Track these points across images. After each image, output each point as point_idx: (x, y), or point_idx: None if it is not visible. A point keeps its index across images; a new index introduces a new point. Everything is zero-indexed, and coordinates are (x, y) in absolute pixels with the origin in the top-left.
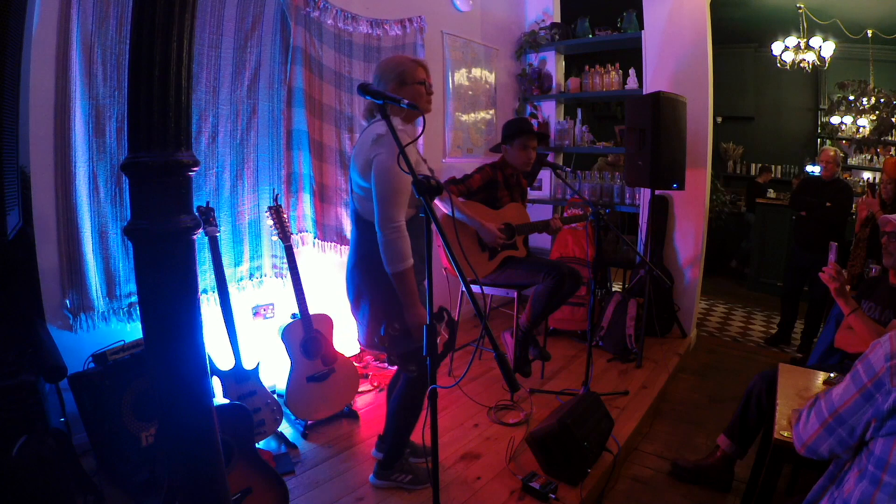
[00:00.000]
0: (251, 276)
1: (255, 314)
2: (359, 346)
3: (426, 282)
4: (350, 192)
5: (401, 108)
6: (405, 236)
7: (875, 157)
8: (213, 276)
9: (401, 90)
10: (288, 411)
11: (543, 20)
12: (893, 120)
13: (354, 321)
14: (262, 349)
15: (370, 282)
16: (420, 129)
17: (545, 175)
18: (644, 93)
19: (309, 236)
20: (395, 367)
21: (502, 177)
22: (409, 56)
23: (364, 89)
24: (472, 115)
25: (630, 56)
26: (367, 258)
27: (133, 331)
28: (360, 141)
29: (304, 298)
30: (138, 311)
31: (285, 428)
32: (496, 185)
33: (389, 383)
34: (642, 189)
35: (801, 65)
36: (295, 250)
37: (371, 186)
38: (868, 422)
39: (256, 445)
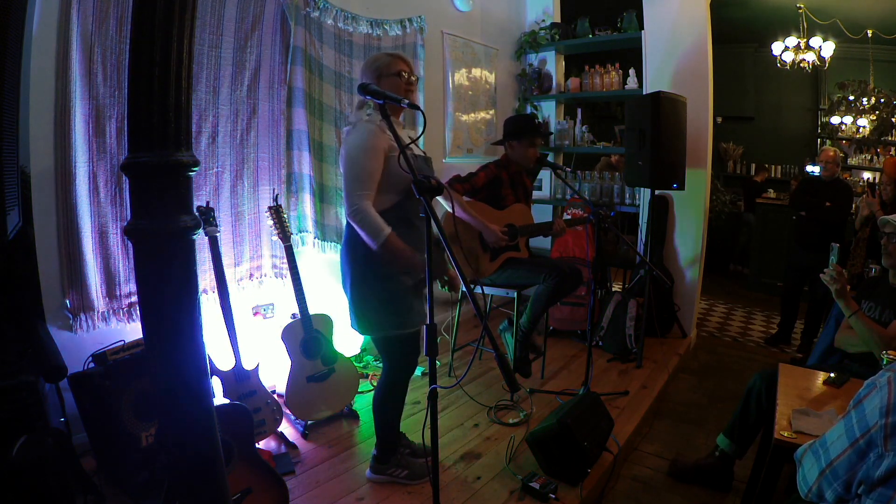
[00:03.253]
0: (251, 276)
1: (255, 314)
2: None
3: (426, 281)
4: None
5: (383, 101)
6: (369, 212)
7: (875, 157)
8: (213, 276)
9: (379, 83)
10: (288, 411)
11: (543, 20)
12: (893, 120)
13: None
14: (262, 349)
15: (352, 266)
16: (420, 129)
17: (545, 175)
18: (644, 93)
19: (309, 236)
20: None
21: (507, 175)
22: (386, 52)
23: (364, 89)
24: (472, 115)
25: (630, 56)
26: (351, 243)
27: (133, 331)
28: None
29: (304, 298)
30: (138, 311)
31: (285, 428)
32: (500, 184)
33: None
34: (642, 189)
35: (801, 65)
36: (295, 250)
37: None
38: (860, 481)
39: (256, 445)
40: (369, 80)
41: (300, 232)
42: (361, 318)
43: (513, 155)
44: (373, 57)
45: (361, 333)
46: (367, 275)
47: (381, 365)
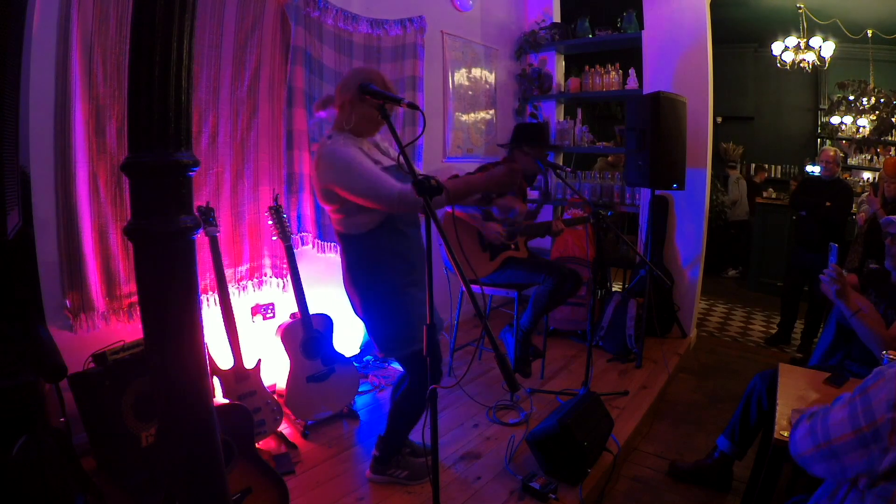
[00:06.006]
0: (251, 276)
1: (255, 314)
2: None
3: (426, 281)
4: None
5: (349, 122)
6: (408, 195)
7: (875, 157)
8: (213, 276)
9: (359, 103)
10: (288, 411)
11: (543, 20)
12: (893, 120)
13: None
14: (262, 349)
15: (356, 290)
16: (420, 130)
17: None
18: (644, 93)
19: (309, 236)
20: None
21: None
22: (382, 74)
23: (364, 90)
24: (472, 115)
25: (630, 56)
26: (349, 268)
27: (133, 331)
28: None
29: (304, 298)
30: (138, 311)
31: (285, 428)
32: None
33: (395, 382)
34: (642, 189)
35: (801, 65)
36: (295, 250)
37: (345, 198)
38: (859, 473)
39: (256, 445)
40: (349, 92)
41: (300, 232)
42: (381, 340)
43: (521, 161)
44: (364, 71)
45: (387, 356)
46: (371, 296)
47: (381, 365)
